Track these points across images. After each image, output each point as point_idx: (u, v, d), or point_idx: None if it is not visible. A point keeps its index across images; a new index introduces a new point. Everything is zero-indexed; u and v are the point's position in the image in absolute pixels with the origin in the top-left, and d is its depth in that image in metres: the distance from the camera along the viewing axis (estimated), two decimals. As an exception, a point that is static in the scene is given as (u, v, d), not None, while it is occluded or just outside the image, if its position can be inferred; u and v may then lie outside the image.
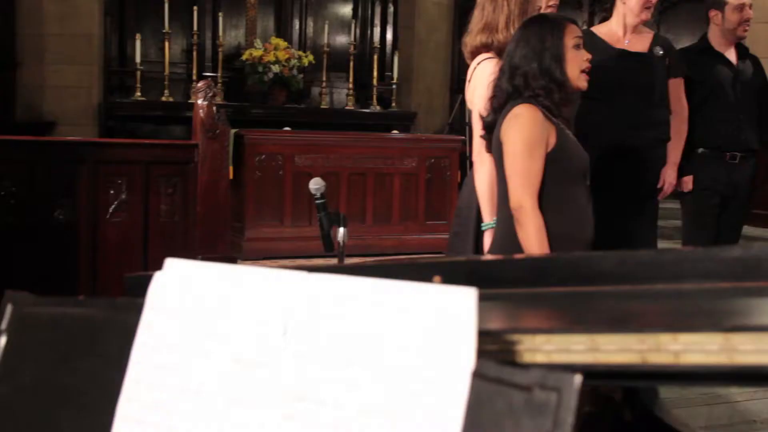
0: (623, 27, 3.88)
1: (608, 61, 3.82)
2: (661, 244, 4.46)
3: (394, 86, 9.64)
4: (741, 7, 4.11)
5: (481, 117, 2.60)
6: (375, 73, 9.53)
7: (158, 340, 0.92)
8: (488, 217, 2.80)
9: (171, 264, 0.95)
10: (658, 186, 3.88)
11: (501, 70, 2.56)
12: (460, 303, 0.75)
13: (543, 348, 0.82)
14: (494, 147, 2.52)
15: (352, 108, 9.43)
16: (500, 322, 0.97)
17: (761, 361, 0.73)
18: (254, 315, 0.86)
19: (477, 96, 2.79)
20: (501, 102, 2.52)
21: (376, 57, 9.58)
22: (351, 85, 9.39)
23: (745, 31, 4.17)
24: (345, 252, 2.71)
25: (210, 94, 2.78)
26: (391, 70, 9.67)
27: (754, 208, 5.22)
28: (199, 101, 2.81)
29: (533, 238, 2.34)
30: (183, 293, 0.92)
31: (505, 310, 1.06)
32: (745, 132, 4.10)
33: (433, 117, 10.00)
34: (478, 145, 2.77)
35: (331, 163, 7.14)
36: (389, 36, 10.01)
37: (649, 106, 3.82)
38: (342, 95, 9.60)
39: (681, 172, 4.04)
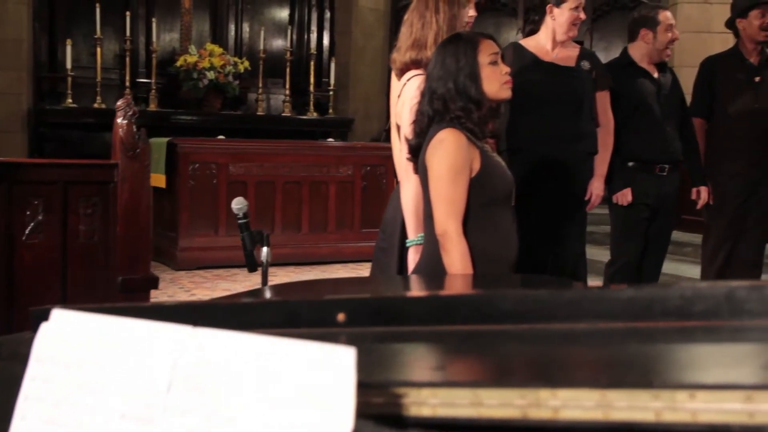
0: (552, 41, 3.93)
1: (537, 75, 3.87)
2: (591, 250, 4.51)
3: (331, 92, 9.63)
4: (670, 28, 4.20)
5: (406, 140, 2.60)
6: (312, 80, 9.51)
7: (44, 394, 0.90)
8: (413, 234, 2.81)
9: (58, 315, 0.93)
10: (586, 198, 3.94)
11: (422, 93, 2.55)
12: (339, 364, 0.75)
13: (428, 401, 0.82)
14: (420, 170, 2.53)
15: (289, 114, 9.38)
16: (391, 371, 0.98)
17: (634, 417, 0.74)
18: (140, 370, 0.85)
19: (406, 112, 2.80)
20: (423, 126, 2.51)
21: (313, 63, 9.56)
22: (288, 92, 9.34)
23: (670, 52, 4.26)
24: (268, 270, 2.68)
25: (130, 113, 2.73)
26: (328, 77, 9.66)
27: (683, 214, 5.32)
28: (119, 120, 2.76)
29: (458, 264, 2.35)
30: (70, 346, 0.90)
31: (401, 355, 1.06)
32: (672, 144, 4.19)
33: (370, 123, 10.02)
34: (404, 163, 2.78)
35: (266, 172, 7.10)
36: (326, 42, 10.01)
37: (576, 118, 3.88)
38: (279, 101, 9.55)
39: (617, 185, 4.11)
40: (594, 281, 4.42)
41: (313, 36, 9.92)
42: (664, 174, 4.18)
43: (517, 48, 3.97)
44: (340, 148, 7.71)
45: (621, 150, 4.08)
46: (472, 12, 3.40)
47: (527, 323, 1.09)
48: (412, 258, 2.80)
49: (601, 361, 0.94)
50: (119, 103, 2.77)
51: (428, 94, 2.51)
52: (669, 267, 5.38)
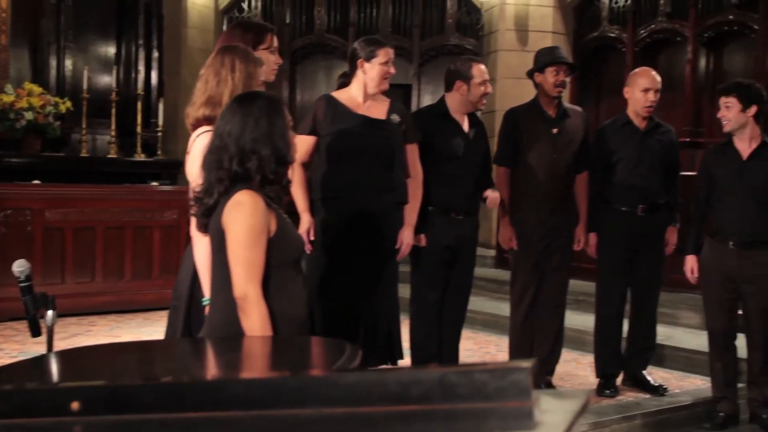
0: (363, 94, 4.03)
1: (349, 126, 3.96)
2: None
3: (159, 133, 9.43)
4: (484, 83, 4.38)
5: (197, 200, 2.55)
6: (140, 120, 9.27)
7: None
8: (207, 293, 2.78)
9: None
10: (396, 246, 4.03)
11: (226, 151, 2.46)
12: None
13: None
14: (213, 232, 2.48)
15: (115, 156, 9.10)
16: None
17: None
18: None
19: (195, 169, 2.77)
20: (227, 186, 2.46)
21: (140, 103, 9.34)
22: (113, 132, 9.07)
23: (483, 104, 4.45)
24: (53, 336, 2.57)
25: None
26: (157, 117, 9.46)
27: (583, 262, 5.37)
28: None
29: (258, 328, 2.34)
30: None
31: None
32: (469, 194, 4.38)
33: (200, 165, 9.87)
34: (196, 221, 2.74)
35: (86, 217, 6.87)
36: (154, 81, 9.79)
37: (387, 170, 3.98)
38: (104, 142, 9.25)
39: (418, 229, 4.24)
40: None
41: (141, 75, 9.69)
42: (461, 218, 4.36)
43: (330, 100, 4.04)
44: (165, 192, 7.56)
45: (427, 195, 4.21)
46: (276, 58, 3.44)
47: (256, 409, 1.11)
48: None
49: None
50: None
51: (239, 154, 2.44)
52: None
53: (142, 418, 1.14)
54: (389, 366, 4.07)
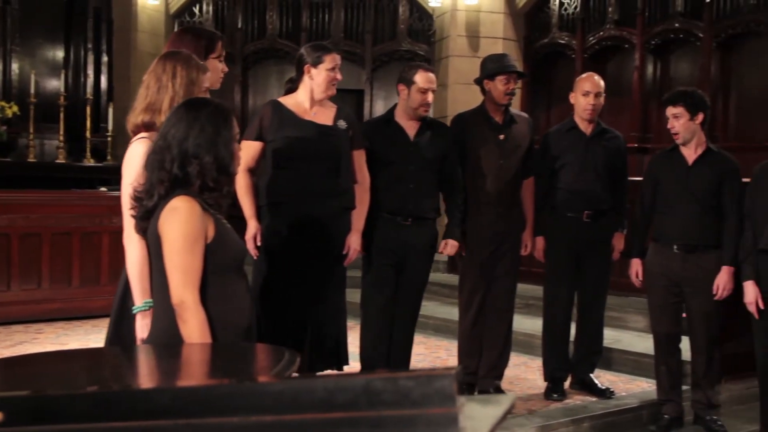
0: (310, 100, 4.02)
1: (296, 132, 3.95)
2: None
3: (109, 138, 9.32)
4: (425, 91, 4.36)
5: (138, 201, 2.52)
6: (89, 125, 9.16)
7: None
8: (139, 300, 2.73)
9: None
10: (344, 252, 4.03)
11: (168, 153, 2.44)
12: None
13: None
14: (151, 237, 2.46)
15: (64, 161, 8.97)
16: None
17: None
18: None
19: (128, 175, 2.74)
20: (168, 188, 2.44)
21: (89, 108, 9.22)
22: (62, 137, 8.94)
23: (425, 111, 4.42)
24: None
25: None
26: (106, 122, 9.35)
27: (534, 267, 5.37)
28: None
29: (196, 334, 2.32)
30: None
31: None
32: (417, 200, 4.35)
33: (151, 170, 9.77)
34: (128, 226, 2.70)
35: (33, 224, 6.75)
36: (104, 85, 9.68)
37: (334, 175, 3.98)
38: (53, 147, 9.12)
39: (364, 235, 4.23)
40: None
41: (90, 80, 9.57)
42: (408, 224, 4.34)
43: (276, 106, 4.03)
44: (114, 198, 7.41)
45: (374, 201, 4.21)
46: (222, 66, 3.41)
47: (183, 418, 1.10)
48: (140, 324, 2.72)
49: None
50: None
51: (181, 157, 2.43)
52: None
53: (68, 428, 1.12)
54: (335, 371, 4.06)
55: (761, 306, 4.17)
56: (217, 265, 2.42)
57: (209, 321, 2.37)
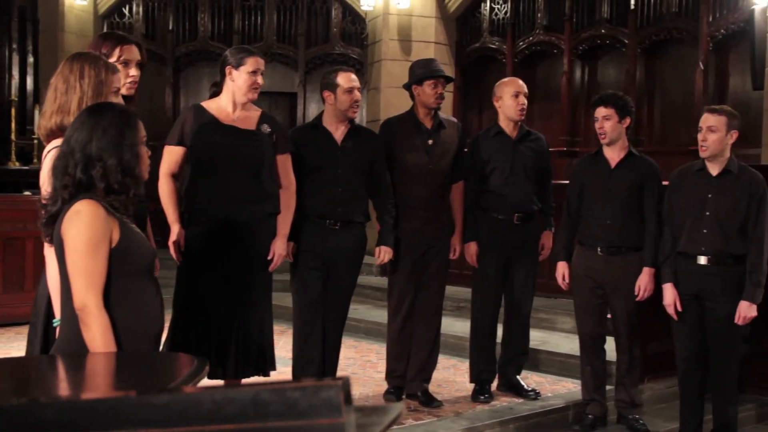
0: (232, 104, 3.99)
1: (217, 137, 3.91)
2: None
3: (35, 141, 9.11)
4: (351, 90, 4.36)
5: (44, 207, 2.47)
6: (13, 127, 8.97)
7: None
8: (59, 313, 2.69)
9: None
10: (269, 257, 3.99)
11: (72, 158, 2.42)
12: None
13: None
14: (55, 241, 2.42)
15: (-13, 164, 8.77)
16: None
17: None
18: None
19: (47, 184, 2.69)
20: (72, 192, 2.41)
21: (14, 109, 9.02)
22: (-15, 140, 8.74)
23: (354, 112, 4.41)
24: None
25: None
26: (32, 124, 9.15)
27: (466, 270, 5.35)
28: None
29: (99, 340, 2.29)
30: None
31: None
32: (345, 204, 4.34)
33: (79, 173, 9.59)
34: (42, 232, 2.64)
35: (-47, 228, 6.57)
36: (29, 87, 9.51)
37: (258, 180, 3.95)
38: (-25, 150, 8.91)
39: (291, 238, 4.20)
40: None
41: (15, 81, 9.37)
42: (337, 228, 4.33)
43: (198, 110, 3.99)
44: (38, 202, 7.29)
45: (301, 204, 4.19)
46: (134, 72, 3.36)
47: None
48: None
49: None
50: None
51: (83, 161, 2.40)
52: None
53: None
54: (262, 377, 4.04)
55: (679, 308, 4.27)
56: (123, 269, 2.39)
57: (114, 326, 2.34)
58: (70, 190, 2.41)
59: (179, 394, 1.07)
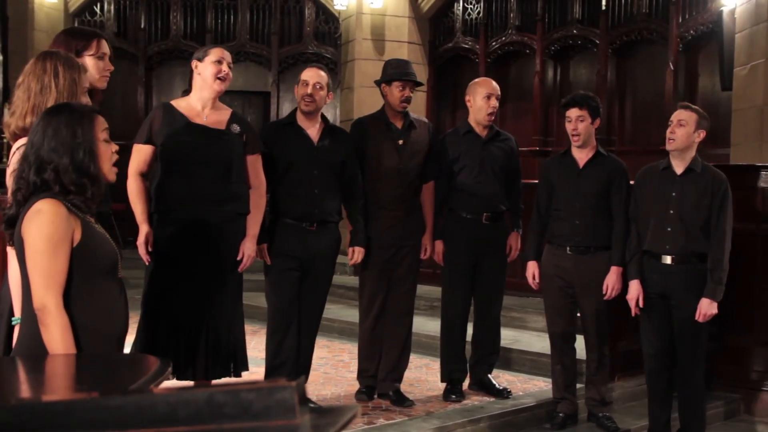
0: (201, 101, 3.97)
1: (186, 137, 3.89)
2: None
3: (4, 141, 9.02)
4: (306, 84, 4.34)
5: (4, 209, 2.47)
6: (-18, 126, 8.86)
7: None
8: (19, 312, 2.67)
9: None
10: (238, 258, 3.98)
11: (26, 162, 2.42)
12: None
13: None
14: (16, 242, 2.41)
15: (-45, 164, 8.66)
16: None
17: None
18: None
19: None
20: (26, 195, 2.41)
21: (-17, 109, 8.93)
22: (-47, 139, 8.63)
23: (306, 105, 4.37)
24: None
25: None
26: (1, 123, 9.05)
27: (439, 269, 5.35)
28: None
29: (58, 340, 2.28)
30: None
31: None
32: (322, 205, 4.34)
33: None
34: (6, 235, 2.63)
35: None
36: (-1, 86, 9.40)
37: (227, 181, 3.93)
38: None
39: (260, 241, 4.18)
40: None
41: (-17, 80, 9.27)
42: (313, 229, 4.33)
43: (167, 109, 3.97)
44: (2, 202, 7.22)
45: (275, 206, 4.18)
46: (105, 65, 3.35)
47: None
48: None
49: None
50: None
51: (36, 164, 2.39)
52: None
53: None
54: (233, 378, 4.02)
55: (641, 304, 4.33)
56: (85, 269, 2.38)
57: (74, 327, 2.33)
58: (24, 192, 2.42)
59: (134, 397, 1.07)
